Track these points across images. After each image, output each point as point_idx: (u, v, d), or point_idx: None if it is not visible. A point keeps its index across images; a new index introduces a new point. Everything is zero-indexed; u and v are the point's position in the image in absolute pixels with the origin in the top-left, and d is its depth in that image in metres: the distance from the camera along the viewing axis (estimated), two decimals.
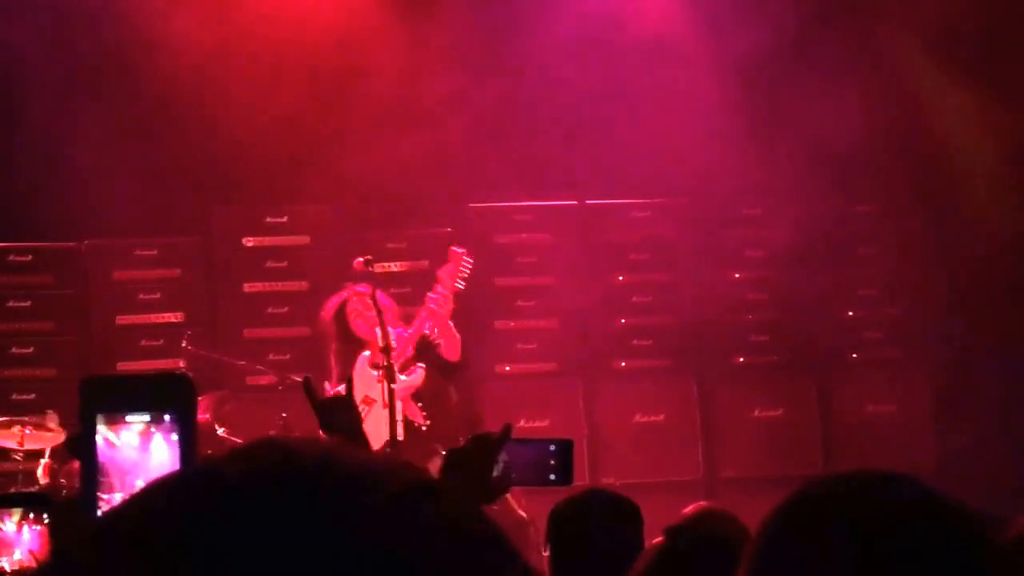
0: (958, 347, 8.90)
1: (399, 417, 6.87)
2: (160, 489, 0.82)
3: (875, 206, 9.15)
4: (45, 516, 3.01)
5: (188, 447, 1.97)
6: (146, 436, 2.00)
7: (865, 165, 8.92)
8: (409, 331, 7.06)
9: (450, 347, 7.13)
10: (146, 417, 1.99)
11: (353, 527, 0.78)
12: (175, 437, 1.97)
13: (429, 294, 6.96)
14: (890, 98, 8.92)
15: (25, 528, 3.02)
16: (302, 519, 0.77)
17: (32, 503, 2.78)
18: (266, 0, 8.61)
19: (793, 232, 8.77)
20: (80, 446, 1.95)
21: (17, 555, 3.02)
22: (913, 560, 1.32)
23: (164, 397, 2.00)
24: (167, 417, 1.97)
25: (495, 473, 2.53)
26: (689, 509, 4.32)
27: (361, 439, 2.40)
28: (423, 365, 7.08)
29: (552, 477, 2.65)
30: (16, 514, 3.02)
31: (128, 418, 1.99)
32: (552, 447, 2.66)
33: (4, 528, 2.95)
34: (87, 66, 8.36)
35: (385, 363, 6.98)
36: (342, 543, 0.77)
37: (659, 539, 3.24)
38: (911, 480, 1.38)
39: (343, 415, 2.51)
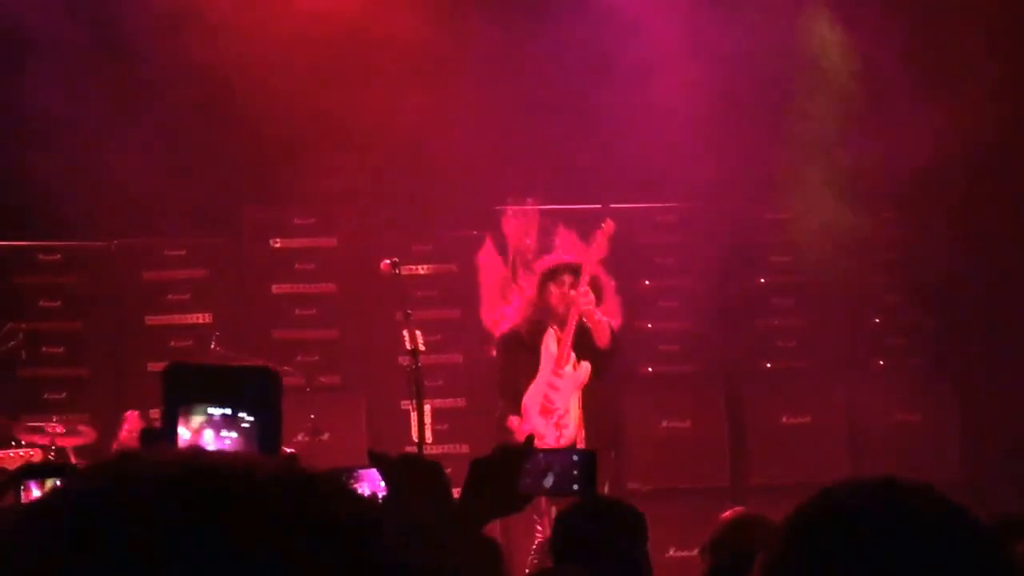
0: (984, 354, 8.87)
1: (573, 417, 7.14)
2: (24, 517, 0.83)
3: (901, 212, 9.11)
4: None
5: (271, 443, 1.93)
6: (197, 433, 1.98)
7: (891, 171, 8.89)
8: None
9: (599, 333, 7.22)
10: (228, 410, 1.94)
11: (223, 523, 0.79)
12: (224, 433, 1.94)
13: (572, 292, 7.17)
14: (915, 104, 8.89)
15: None
16: (170, 520, 0.78)
17: (57, 474, 2.76)
18: (298, 1, 8.64)
19: (818, 237, 8.75)
20: (163, 434, 1.92)
21: None
22: (920, 572, 1.31)
23: (250, 390, 1.96)
24: (219, 414, 1.93)
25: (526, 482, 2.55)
26: (726, 515, 4.35)
27: (445, 505, 2.18)
28: (587, 361, 7.23)
29: (575, 488, 2.67)
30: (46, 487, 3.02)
31: (210, 410, 1.95)
32: (575, 457, 2.68)
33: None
34: (117, 68, 8.39)
35: (415, 365, 7.03)
36: (215, 539, 0.78)
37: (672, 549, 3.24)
38: (922, 489, 1.37)
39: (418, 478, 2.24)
